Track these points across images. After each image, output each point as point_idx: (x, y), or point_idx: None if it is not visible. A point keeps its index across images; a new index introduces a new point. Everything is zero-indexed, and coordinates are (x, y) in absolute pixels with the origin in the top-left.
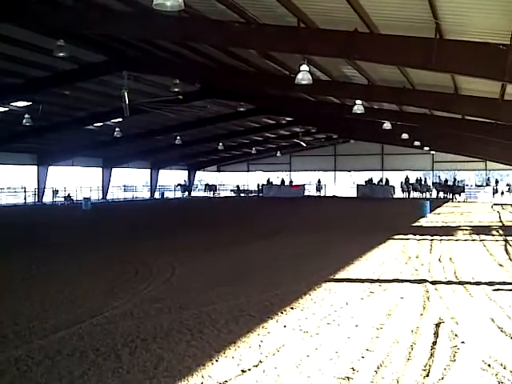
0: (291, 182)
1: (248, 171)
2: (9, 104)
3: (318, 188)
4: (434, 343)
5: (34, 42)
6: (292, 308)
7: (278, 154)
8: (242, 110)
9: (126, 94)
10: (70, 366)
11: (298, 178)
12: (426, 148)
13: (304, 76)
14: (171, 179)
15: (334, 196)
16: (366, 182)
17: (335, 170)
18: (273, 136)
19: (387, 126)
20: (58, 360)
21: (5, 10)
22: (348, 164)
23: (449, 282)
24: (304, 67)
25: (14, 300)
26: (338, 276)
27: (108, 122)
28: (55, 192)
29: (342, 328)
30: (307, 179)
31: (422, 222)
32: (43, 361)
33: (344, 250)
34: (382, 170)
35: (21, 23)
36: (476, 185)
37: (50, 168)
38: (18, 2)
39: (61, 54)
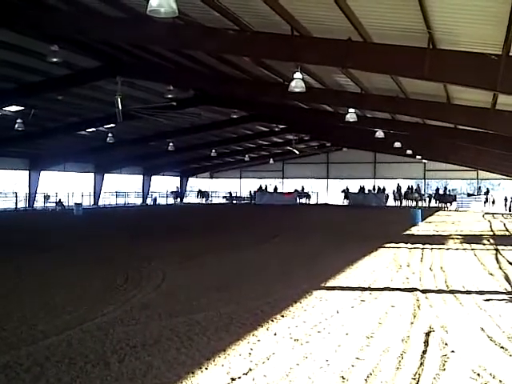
0: (276, 188)
1: (241, 178)
2: (1, 109)
3: (302, 196)
4: (424, 352)
5: (27, 46)
6: (283, 316)
7: (271, 161)
8: (235, 117)
9: (119, 99)
10: (58, 373)
11: (291, 185)
12: (419, 157)
13: (297, 84)
14: (164, 185)
15: (326, 204)
16: (344, 191)
17: (328, 178)
18: (266, 143)
19: (380, 134)
20: (46, 367)
21: None
22: (341, 172)
23: (439, 291)
24: (297, 75)
25: (3, 305)
26: (328, 284)
27: (101, 128)
28: (46, 197)
29: (333, 336)
30: (300, 187)
31: (414, 231)
32: (32, 367)
33: (335, 258)
34: (375, 179)
35: (14, 28)
36: (468, 194)
37: (42, 173)
38: (12, 6)
39: (54, 60)
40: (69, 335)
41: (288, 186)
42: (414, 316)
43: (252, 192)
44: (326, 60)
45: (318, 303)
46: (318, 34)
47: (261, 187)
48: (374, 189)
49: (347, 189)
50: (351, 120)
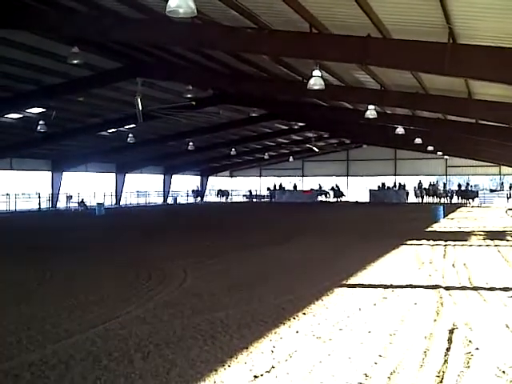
0: (295, 186)
1: (260, 176)
2: (24, 110)
3: (321, 193)
4: (448, 349)
5: (49, 48)
6: (304, 313)
7: (291, 159)
8: (254, 115)
9: (139, 100)
10: (83, 371)
11: (311, 183)
12: (440, 153)
13: (316, 81)
14: (184, 185)
15: (346, 201)
16: (333, 188)
17: (348, 175)
18: (285, 141)
19: (400, 130)
20: (71, 365)
21: (19, 18)
22: (361, 169)
23: (463, 288)
24: (316, 72)
25: (28, 304)
26: (350, 281)
27: (121, 128)
28: (69, 198)
29: (355, 334)
30: (317, 185)
31: (436, 227)
32: (57, 365)
33: (356, 255)
34: (395, 175)
35: (35, 31)
36: (490, 189)
37: (64, 174)
38: (32, 9)
39: (75, 61)
40: (93, 333)
41: (308, 183)
42: (437, 313)
43: (271, 189)
44: (345, 57)
45: (340, 301)
46: (336, 31)
47: (281, 185)
48: (394, 185)
49: (337, 186)
50: (371, 117)
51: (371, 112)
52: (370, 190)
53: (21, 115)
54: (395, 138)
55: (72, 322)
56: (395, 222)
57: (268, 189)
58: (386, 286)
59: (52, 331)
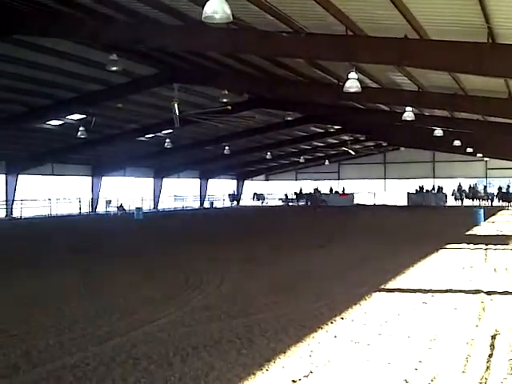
0: (331, 189)
1: (296, 180)
2: (64, 117)
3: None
4: (490, 355)
5: (87, 56)
6: (342, 318)
7: (326, 162)
8: (289, 119)
9: (176, 105)
10: (123, 374)
11: (348, 186)
12: (479, 154)
13: (352, 84)
14: (220, 189)
15: (383, 204)
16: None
17: (385, 178)
18: (321, 144)
19: (438, 132)
20: (112, 367)
21: (59, 26)
22: (398, 172)
23: (505, 293)
24: (352, 75)
25: (70, 307)
26: (389, 286)
27: (159, 134)
28: (108, 202)
29: (394, 339)
30: (357, 188)
31: (476, 231)
32: (98, 367)
33: (395, 260)
34: (434, 178)
35: (75, 39)
36: None
37: (104, 178)
38: (72, 18)
39: (114, 68)
40: (133, 336)
41: (345, 186)
42: (479, 318)
43: (298, 193)
44: (382, 59)
45: (378, 305)
46: (372, 33)
47: (317, 189)
48: (433, 188)
49: (317, 190)
50: (408, 119)
51: (409, 114)
52: (408, 193)
53: (62, 122)
54: (433, 140)
55: (112, 324)
56: (434, 225)
57: (295, 193)
58: (425, 291)
59: (93, 334)
